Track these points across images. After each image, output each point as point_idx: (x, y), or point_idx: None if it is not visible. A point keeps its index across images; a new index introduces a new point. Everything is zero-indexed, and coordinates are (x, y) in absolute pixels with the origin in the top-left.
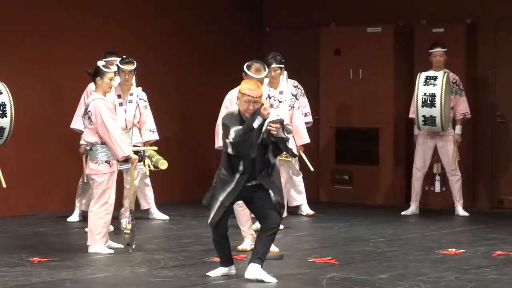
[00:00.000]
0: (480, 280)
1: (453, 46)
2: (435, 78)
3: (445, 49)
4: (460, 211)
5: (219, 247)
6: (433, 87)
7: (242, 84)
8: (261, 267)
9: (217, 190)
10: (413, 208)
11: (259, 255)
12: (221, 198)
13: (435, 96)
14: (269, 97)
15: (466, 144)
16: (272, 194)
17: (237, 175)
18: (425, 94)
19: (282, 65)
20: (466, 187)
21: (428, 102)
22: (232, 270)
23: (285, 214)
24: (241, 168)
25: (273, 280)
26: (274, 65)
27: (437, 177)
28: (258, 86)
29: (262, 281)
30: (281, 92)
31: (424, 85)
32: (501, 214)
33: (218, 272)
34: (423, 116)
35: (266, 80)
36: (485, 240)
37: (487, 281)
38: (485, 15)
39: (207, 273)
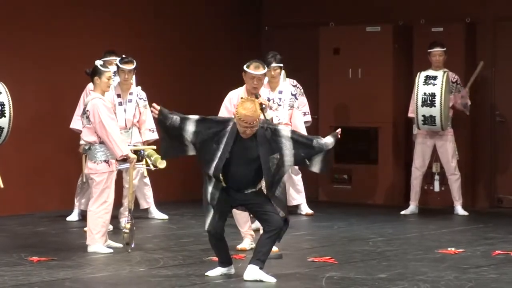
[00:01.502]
0: (480, 280)
1: (453, 45)
2: (434, 77)
3: (444, 49)
4: (460, 210)
5: (217, 249)
6: (433, 87)
7: (239, 106)
8: (261, 268)
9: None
10: (412, 208)
11: (259, 256)
12: (207, 198)
13: (435, 95)
14: (269, 100)
15: (465, 143)
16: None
17: (210, 188)
18: (425, 93)
19: (281, 65)
20: (466, 187)
21: (428, 101)
22: (231, 270)
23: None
24: (210, 172)
25: (272, 280)
26: (273, 64)
27: (436, 177)
28: (254, 110)
29: (261, 280)
30: (280, 92)
31: (424, 84)
32: (500, 214)
33: (216, 272)
34: (423, 115)
35: (266, 80)
36: (484, 239)
37: (487, 281)
38: (484, 15)
39: (206, 273)
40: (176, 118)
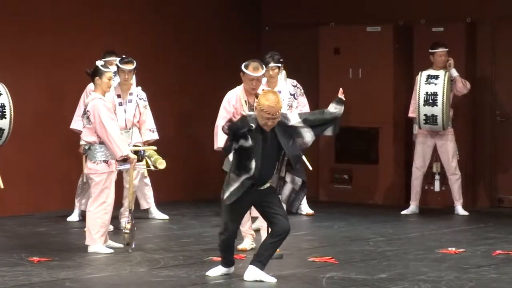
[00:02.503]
0: (480, 280)
1: (453, 45)
2: (436, 77)
3: (447, 49)
4: (460, 210)
5: (225, 250)
6: (435, 86)
7: (261, 98)
8: (262, 270)
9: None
10: (412, 208)
11: (261, 258)
12: (224, 196)
13: (437, 94)
14: None
15: (466, 143)
16: (296, 180)
17: (243, 177)
18: (427, 93)
19: (280, 64)
20: (466, 186)
21: (430, 100)
22: (232, 269)
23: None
24: (251, 172)
25: (273, 280)
26: (272, 64)
27: (437, 176)
28: (277, 101)
29: (261, 281)
30: (279, 92)
31: (425, 83)
32: (500, 213)
33: (217, 271)
34: (425, 115)
35: (264, 80)
36: (484, 239)
37: (487, 281)
38: (484, 14)
39: (207, 273)
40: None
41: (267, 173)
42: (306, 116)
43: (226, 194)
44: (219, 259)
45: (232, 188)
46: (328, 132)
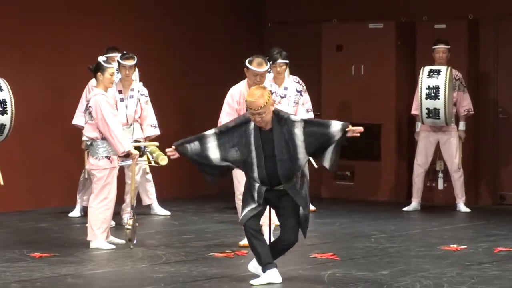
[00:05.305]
0: (482, 276)
1: (455, 42)
2: (438, 71)
3: (449, 46)
4: (462, 207)
5: (260, 243)
6: (437, 80)
7: (248, 91)
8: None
9: (247, 196)
10: (414, 204)
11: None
12: (253, 205)
13: (439, 88)
14: (271, 93)
15: (468, 140)
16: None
17: (256, 185)
18: (429, 86)
19: (287, 61)
20: (468, 184)
21: (432, 94)
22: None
23: None
24: (255, 175)
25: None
26: (279, 61)
27: (440, 174)
28: (259, 96)
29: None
30: (285, 88)
31: (428, 77)
32: (502, 211)
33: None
34: (427, 108)
35: (271, 76)
36: (486, 236)
37: (489, 277)
38: (487, 11)
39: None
40: (195, 143)
41: (276, 173)
42: (309, 119)
43: (256, 195)
44: (221, 255)
45: (257, 187)
46: (326, 163)
